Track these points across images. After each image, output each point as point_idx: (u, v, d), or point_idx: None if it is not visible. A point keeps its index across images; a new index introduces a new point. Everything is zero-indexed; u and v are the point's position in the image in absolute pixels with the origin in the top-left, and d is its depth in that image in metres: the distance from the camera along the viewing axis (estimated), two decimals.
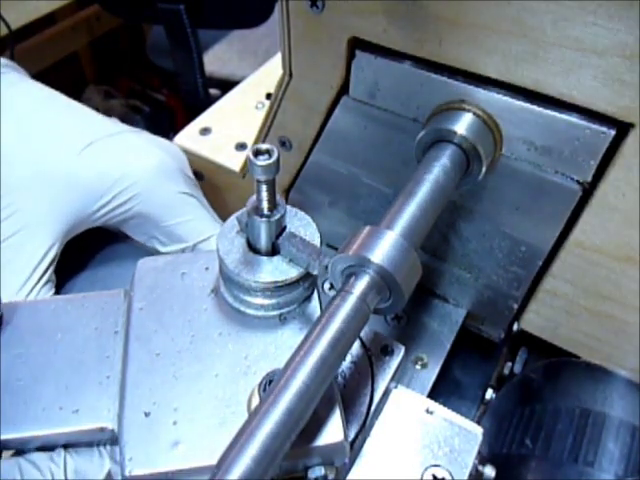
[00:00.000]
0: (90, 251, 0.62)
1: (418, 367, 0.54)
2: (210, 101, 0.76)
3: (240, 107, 0.74)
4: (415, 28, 0.42)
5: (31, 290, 0.50)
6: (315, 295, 0.41)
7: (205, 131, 0.70)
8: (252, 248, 0.39)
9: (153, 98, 1.42)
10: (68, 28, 1.21)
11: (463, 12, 0.39)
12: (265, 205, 0.36)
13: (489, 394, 0.57)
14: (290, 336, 0.38)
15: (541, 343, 0.55)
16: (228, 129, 0.70)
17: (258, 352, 0.38)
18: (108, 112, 1.55)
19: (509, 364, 0.59)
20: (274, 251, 0.39)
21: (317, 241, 0.39)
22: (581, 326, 0.51)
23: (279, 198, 0.37)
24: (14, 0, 0.95)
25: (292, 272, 0.38)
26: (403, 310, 0.58)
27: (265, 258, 0.38)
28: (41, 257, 0.51)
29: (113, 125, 0.58)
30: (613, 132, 0.39)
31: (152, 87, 1.43)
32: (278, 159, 0.33)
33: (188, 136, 0.69)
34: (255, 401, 0.33)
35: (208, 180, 0.68)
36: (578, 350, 0.53)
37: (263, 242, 0.38)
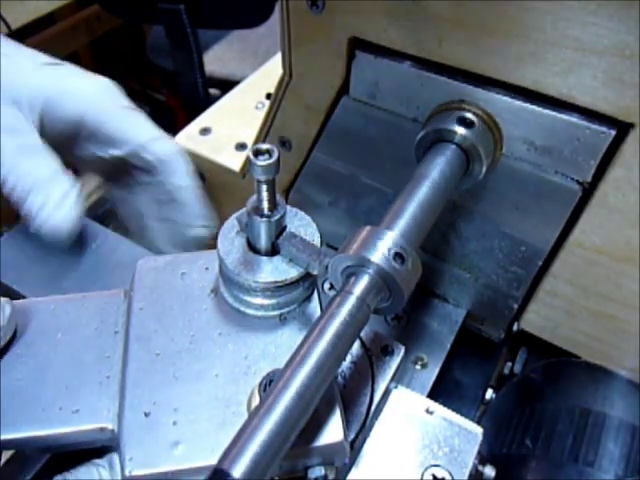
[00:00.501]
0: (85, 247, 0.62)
1: (418, 367, 0.54)
2: (210, 101, 0.76)
3: (240, 107, 0.74)
4: (415, 28, 0.42)
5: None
6: (315, 295, 0.41)
7: (205, 131, 0.70)
8: (252, 248, 0.39)
9: (153, 98, 1.42)
10: (68, 28, 1.21)
11: (463, 12, 0.39)
12: (265, 205, 0.36)
13: (489, 394, 0.57)
14: (290, 336, 0.38)
15: (541, 343, 0.55)
16: (228, 129, 0.70)
17: (258, 352, 0.38)
18: None
19: (509, 364, 0.59)
20: (274, 251, 0.39)
21: (317, 241, 0.39)
22: (581, 326, 0.51)
23: (279, 198, 0.37)
24: (14, 0, 0.95)
25: (292, 272, 0.38)
26: (403, 310, 0.58)
27: (265, 258, 0.38)
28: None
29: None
30: (613, 132, 0.39)
31: (152, 87, 1.43)
32: (278, 159, 0.33)
33: (188, 136, 0.69)
34: (255, 401, 0.33)
35: (208, 180, 0.68)
36: (578, 350, 0.53)
37: (263, 242, 0.38)
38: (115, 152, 0.59)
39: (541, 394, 0.53)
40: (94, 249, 0.56)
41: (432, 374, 0.54)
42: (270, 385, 0.31)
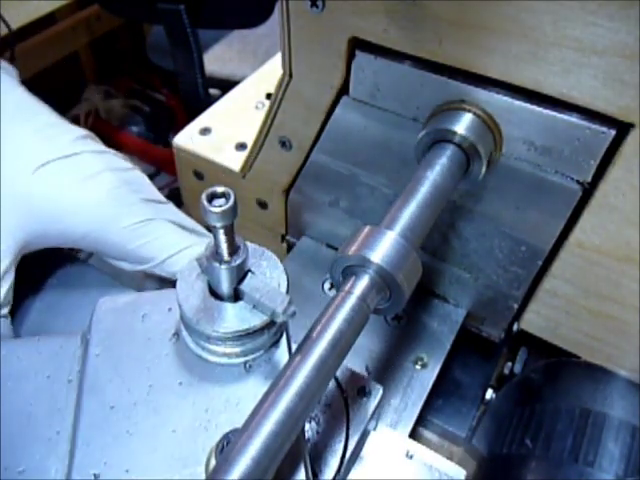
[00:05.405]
0: (49, 274, 0.58)
1: (418, 367, 0.54)
2: (210, 101, 0.76)
3: (240, 107, 0.74)
4: (415, 28, 0.42)
5: None
6: (284, 339, 0.38)
7: (205, 131, 0.70)
8: (214, 293, 0.36)
9: (153, 98, 1.42)
10: (68, 28, 1.20)
11: (463, 12, 0.39)
12: (224, 251, 0.33)
13: (489, 394, 0.57)
14: (255, 385, 0.35)
15: (541, 343, 0.55)
16: (228, 129, 0.70)
17: (220, 404, 0.35)
18: (108, 112, 1.55)
19: (509, 364, 0.59)
20: (237, 296, 0.35)
21: (284, 284, 0.36)
22: (581, 326, 0.51)
23: (239, 239, 0.34)
24: (14, 0, 0.95)
25: (255, 320, 0.34)
26: (403, 310, 0.58)
27: (227, 304, 0.35)
28: None
29: (73, 143, 0.53)
30: (613, 132, 0.39)
31: (152, 87, 1.43)
32: (235, 203, 0.30)
33: (188, 136, 0.69)
34: (213, 463, 0.30)
35: (208, 180, 0.68)
36: (578, 350, 0.53)
37: (224, 288, 0.35)
38: (124, 265, 0.55)
39: (541, 394, 0.53)
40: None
41: (432, 374, 0.54)
42: (228, 446, 0.28)
